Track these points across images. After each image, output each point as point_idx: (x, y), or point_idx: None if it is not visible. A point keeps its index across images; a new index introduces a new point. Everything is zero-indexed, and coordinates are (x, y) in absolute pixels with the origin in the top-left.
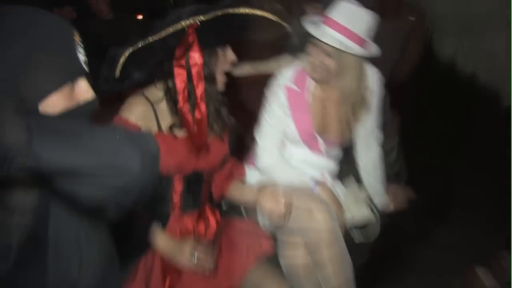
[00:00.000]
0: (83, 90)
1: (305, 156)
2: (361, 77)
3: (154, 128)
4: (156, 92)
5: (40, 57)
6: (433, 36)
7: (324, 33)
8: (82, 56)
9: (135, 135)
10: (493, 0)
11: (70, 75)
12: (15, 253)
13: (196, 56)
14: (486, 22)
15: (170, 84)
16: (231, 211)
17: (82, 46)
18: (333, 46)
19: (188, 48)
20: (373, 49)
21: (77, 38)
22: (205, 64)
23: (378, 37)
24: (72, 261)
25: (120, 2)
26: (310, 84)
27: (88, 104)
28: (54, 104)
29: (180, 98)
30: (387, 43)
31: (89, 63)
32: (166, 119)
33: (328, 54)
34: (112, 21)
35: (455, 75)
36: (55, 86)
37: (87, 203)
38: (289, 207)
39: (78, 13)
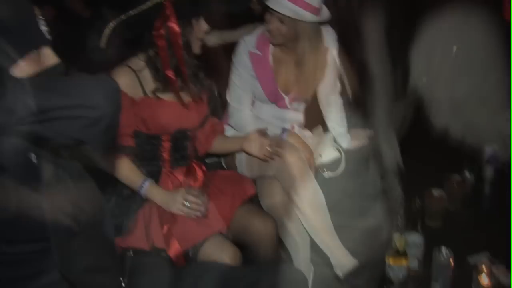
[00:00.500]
0: (48, 56)
1: (273, 112)
2: (316, 40)
3: (140, 94)
4: (138, 61)
5: (5, 30)
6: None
7: (278, 2)
8: (44, 28)
9: (97, 77)
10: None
11: (33, 44)
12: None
13: (174, 27)
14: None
15: (150, 53)
16: (213, 165)
17: (43, 19)
18: (285, 14)
19: (166, 20)
20: (325, 15)
21: (37, 13)
22: (182, 34)
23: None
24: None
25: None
26: (272, 48)
27: (54, 68)
28: (23, 69)
29: (164, 64)
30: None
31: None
32: (150, 85)
33: (282, 21)
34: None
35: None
36: (20, 53)
37: (67, 138)
38: (272, 149)
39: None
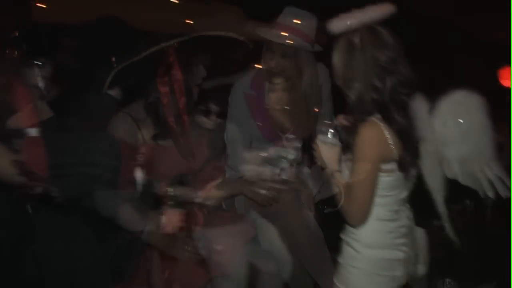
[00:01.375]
0: (43, 110)
1: (271, 151)
2: (316, 74)
3: (139, 140)
4: (138, 108)
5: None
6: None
7: (279, 36)
8: (41, 84)
9: (97, 134)
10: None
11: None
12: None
13: (177, 74)
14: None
15: (151, 99)
16: (214, 207)
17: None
18: (287, 45)
19: (169, 67)
20: (318, 46)
21: (37, 71)
22: (184, 80)
23: None
24: (61, 257)
25: None
26: (267, 88)
27: (48, 121)
28: (21, 121)
29: (166, 111)
30: None
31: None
32: (149, 131)
33: (284, 56)
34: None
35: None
36: (21, 106)
37: (72, 193)
38: (270, 193)
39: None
